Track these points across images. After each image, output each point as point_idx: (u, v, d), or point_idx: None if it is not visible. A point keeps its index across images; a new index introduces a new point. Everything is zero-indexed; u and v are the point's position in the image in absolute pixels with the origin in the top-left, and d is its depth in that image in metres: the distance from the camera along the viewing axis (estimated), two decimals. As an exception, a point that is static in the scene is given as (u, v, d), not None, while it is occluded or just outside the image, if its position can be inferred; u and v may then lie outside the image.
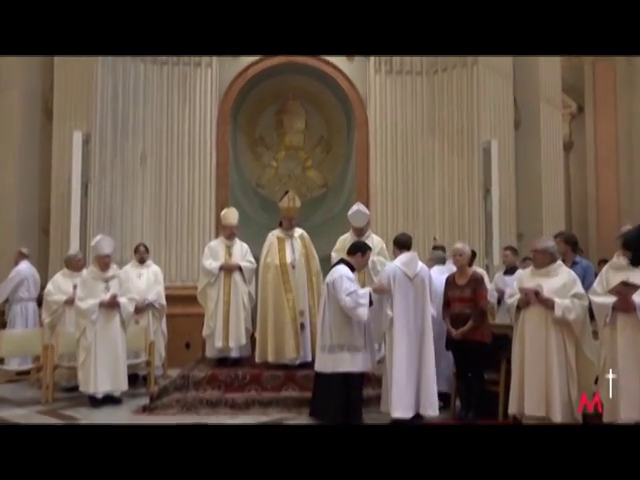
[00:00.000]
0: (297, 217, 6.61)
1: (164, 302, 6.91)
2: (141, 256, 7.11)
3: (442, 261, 6.33)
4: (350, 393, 5.12)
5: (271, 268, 6.34)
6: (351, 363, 5.13)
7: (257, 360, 6.33)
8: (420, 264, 5.35)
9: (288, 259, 6.37)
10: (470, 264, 5.70)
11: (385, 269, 5.43)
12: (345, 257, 5.43)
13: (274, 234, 6.56)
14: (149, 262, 7.16)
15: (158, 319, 6.93)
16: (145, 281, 7.15)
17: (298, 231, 6.63)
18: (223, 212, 6.95)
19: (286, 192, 6.63)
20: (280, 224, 6.62)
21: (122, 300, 6.20)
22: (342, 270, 5.23)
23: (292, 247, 6.46)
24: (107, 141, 8.36)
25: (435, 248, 6.82)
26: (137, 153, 8.52)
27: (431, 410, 5.06)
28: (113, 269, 6.35)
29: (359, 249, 5.44)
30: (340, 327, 5.14)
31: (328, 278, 5.26)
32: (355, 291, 5.11)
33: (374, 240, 6.51)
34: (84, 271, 6.64)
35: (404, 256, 5.37)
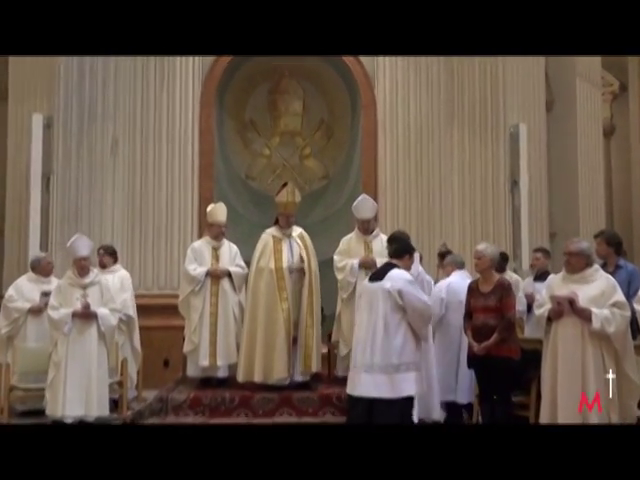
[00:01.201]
0: (296, 214, 6.64)
1: (131, 313, 6.90)
2: (100, 260, 7.08)
3: (461, 265, 6.39)
4: (403, 420, 4.93)
5: (264, 273, 6.36)
6: (416, 384, 5.00)
7: (240, 379, 6.34)
8: (420, 268, 5.45)
9: (285, 262, 6.39)
10: (501, 269, 5.69)
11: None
12: (392, 260, 5.36)
13: (269, 233, 6.57)
14: (116, 267, 7.15)
15: (126, 333, 6.93)
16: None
17: (297, 230, 6.66)
18: (209, 208, 6.97)
19: (284, 184, 6.64)
20: (276, 221, 6.62)
21: (102, 311, 6.17)
22: (405, 275, 5.14)
23: (290, 248, 6.49)
24: (72, 126, 8.37)
25: (443, 254, 6.79)
26: (107, 140, 8.53)
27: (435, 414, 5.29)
28: (93, 274, 6.35)
29: (407, 251, 5.35)
30: (406, 343, 5.00)
31: (389, 286, 5.02)
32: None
33: (383, 241, 6.54)
34: (52, 277, 6.60)
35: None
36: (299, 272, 6.41)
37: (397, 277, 5.10)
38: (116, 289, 6.82)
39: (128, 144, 8.60)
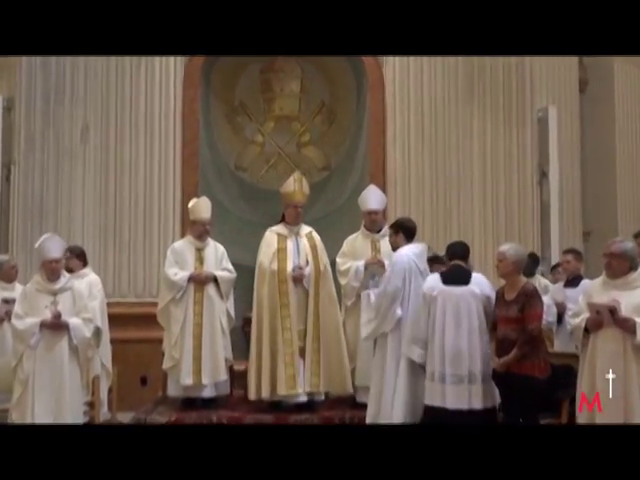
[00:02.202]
0: (305, 207, 6.69)
1: (99, 323, 6.86)
2: (66, 264, 7.03)
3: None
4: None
5: (267, 276, 6.41)
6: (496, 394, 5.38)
7: (250, 397, 6.39)
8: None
9: (289, 265, 6.43)
10: (530, 273, 5.69)
11: (398, 258, 5.64)
12: (459, 262, 5.62)
13: (274, 231, 6.64)
14: (85, 271, 7.11)
15: (93, 346, 6.87)
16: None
17: (306, 229, 6.70)
18: (192, 203, 6.95)
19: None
20: (282, 218, 6.67)
21: (74, 321, 6.09)
22: (486, 280, 5.54)
23: (297, 248, 6.55)
24: (36, 109, 8.37)
25: (434, 260, 6.80)
26: (77, 125, 8.51)
27: None
28: (64, 279, 6.32)
29: (468, 251, 5.74)
30: (487, 351, 5.42)
31: (478, 291, 5.40)
32: None
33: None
34: (16, 282, 6.61)
35: (415, 246, 5.71)
36: (298, 279, 6.43)
37: (483, 282, 5.49)
38: (79, 297, 6.76)
39: (101, 130, 8.56)
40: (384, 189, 8.23)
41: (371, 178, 8.62)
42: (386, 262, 6.28)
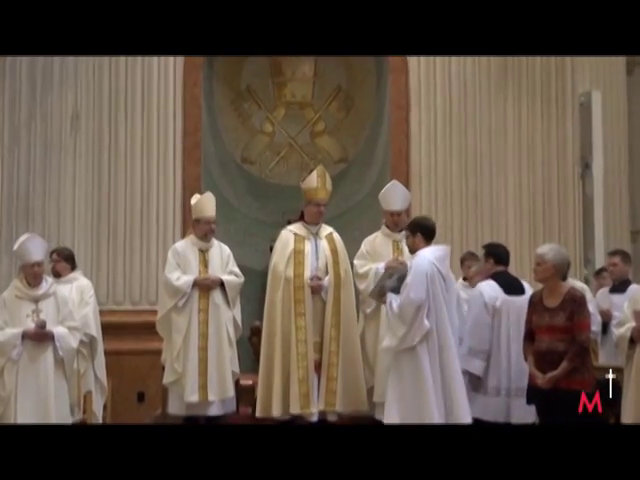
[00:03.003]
0: (327, 205, 6.69)
1: (94, 332, 6.89)
2: (54, 267, 7.07)
3: None
4: None
5: (281, 281, 6.42)
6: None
7: (258, 414, 6.40)
8: None
9: (307, 270, 6.42)
10: (564, 277, 5.68)
11: (419, 263, 5.62)
12: (504, 268, 5.87)
13: (291, 230, 6.66)
14: (75, 275, 7.13)
15: (87, 358, 6.91)
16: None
17: (327, 229, 6.74)
18: (195, 200, 6.96)
19: (311, 171, 6.75)
20: (301, 216, 6.71)
21: (59, 330, 6.13)
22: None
23: (316, 252, 6.56)
24: (21, 95, 8.39)
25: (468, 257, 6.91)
26: (66, 113, 8.52)
27: None
28: (47, 284, 6.33)
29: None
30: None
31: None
32: None
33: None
34: None
35: (436, 249, 5.69)
36: (315, 290, 6.44)
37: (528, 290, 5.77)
38: (74, 303, 6.78)
39: (94, 118, 8.58)
40: (407, 183, 8.26)
41: (393, 171, 8.62)
42: (409, 262, 6.26)
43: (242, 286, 6.85)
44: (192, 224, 6.98)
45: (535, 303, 5.47)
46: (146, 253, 8.51)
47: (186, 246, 6.87)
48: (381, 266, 6.44)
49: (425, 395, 5.39)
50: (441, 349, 5.49)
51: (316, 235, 6.61)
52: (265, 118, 9.68)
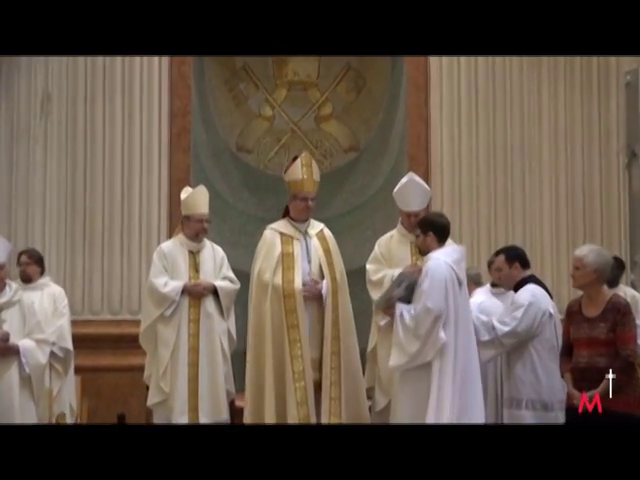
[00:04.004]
0: (315, 198, 6.63)
1: (70, 346, 6.89)
2: (23, 271, 7.06)
3: (478, 280, 6.95)
4: None
5: (269, 290, 6.37)
6: None
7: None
8: None
9: (297, 277, 6.38)
10: (614, 283, 5.70)
11: (436, 268, 5.64)
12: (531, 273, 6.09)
13: (274, 229, 6.61)
14: (44, 280, 7.14)
15: (62, 376, 6.92)
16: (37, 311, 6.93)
17: (317, 226, 6.70)
18: (185, 194, 6.95)
19: (294, 158, 6.67)
20: (286, 212, 6.65)
21: (25, 344, 6.18)
22: None
23: (307, 253, 6.52)
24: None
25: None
26: (36, 94, 8.53)
27: None
28: (10, 290, 6.34)
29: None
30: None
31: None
32: None
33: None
34: None
35: (452, 250, 5.78)
36: (313, 296, 6.42)
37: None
38: (46, 312, 6.80)
39: (67, 101, 8.59)
40: (427, 176, 8.29)
41: (410, 162, 8.62)
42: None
43: (237, 293, 6.83)
44: (181, 222, 6.96)
45: (573, 313, 5.50)
46: (127, 255, 8.51)
47: (174, 247, 6.86)
48: (398, 272, 6.39)
49: (439, 419, 5.43)
50: (463, 367, 5.51)
51: (306, 234, 6.56)
52: (264, 100, 9.67)
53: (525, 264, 6.14)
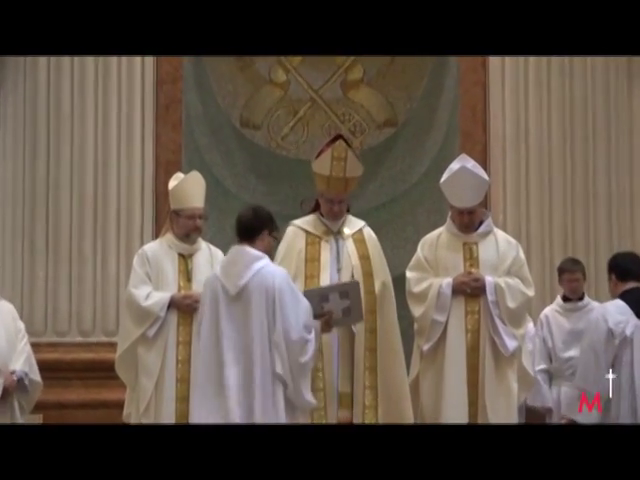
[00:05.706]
0: (350, 196, 6.67)
1: (39, 378, 6.98)
2: None
3: None
4: None
5: None
6: None
7: None
8: None
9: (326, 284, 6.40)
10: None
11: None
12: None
13: (299, 226, 6.72)
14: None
15: (25, 414, 7.01)
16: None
17: (355, 224, 6.77)
18: (173, 183, 6.96)
19: (334, 138, 6.72)
20: (315, 207, 6.72)
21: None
22: None
23: (337, 259, 6.57)
24: None
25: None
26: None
27: None
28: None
29: None
30: None
31: None
32: None
33: (500, 243, 6.70)
34: None
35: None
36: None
37: None
38: (9, 333, 6.90)
39: (24, 64, 8.64)
40: (485, 159, 8.37)
41: (463, 140, 8.70)
42: (488, 278, 6.43)
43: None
44: (169, 218, 6.98)
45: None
46: (101, 262, 8.61)
47: (160, 250, 6.88)
48: (446, 282, 6.43)
49: None
50: None
51: (338, 234, 6.58)
52: (275, 62, 9.74)
53: (625, 275, 6.28)
